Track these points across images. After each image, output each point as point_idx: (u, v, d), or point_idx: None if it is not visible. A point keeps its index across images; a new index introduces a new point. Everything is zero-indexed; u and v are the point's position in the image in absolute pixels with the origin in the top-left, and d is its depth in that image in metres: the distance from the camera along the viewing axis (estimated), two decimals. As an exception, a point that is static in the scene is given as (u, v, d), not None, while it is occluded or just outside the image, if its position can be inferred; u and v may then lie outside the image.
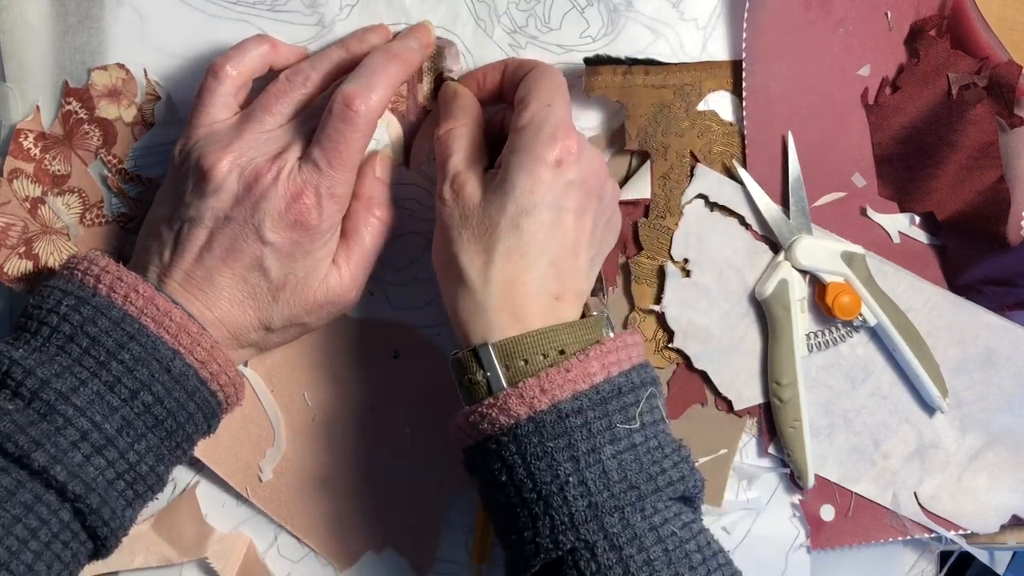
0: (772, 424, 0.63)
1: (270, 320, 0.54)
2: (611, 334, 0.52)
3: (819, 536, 0.64)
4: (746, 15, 0.60)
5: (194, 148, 0.53)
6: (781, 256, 0.62)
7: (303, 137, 0.53)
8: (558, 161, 0.51)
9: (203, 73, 0.55)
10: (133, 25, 0.58)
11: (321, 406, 0.61)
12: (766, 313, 0.62)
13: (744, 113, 0.61)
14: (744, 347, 0.62)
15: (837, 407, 0.64)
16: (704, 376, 0.62)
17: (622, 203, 0.61)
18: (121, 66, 0.58)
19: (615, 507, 0.47)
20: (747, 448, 0.63)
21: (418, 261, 0.61)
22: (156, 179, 0.59)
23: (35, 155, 0.58)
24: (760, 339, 0.63)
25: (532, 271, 0.51)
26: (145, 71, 0.58)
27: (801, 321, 0.62)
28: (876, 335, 0.63)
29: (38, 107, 0.58)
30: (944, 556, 0.66)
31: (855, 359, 0.64)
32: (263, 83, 0.55)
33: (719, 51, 0.61)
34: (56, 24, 0.58)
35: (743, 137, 0.62)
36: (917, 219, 0.64)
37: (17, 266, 0.58)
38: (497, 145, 0.54)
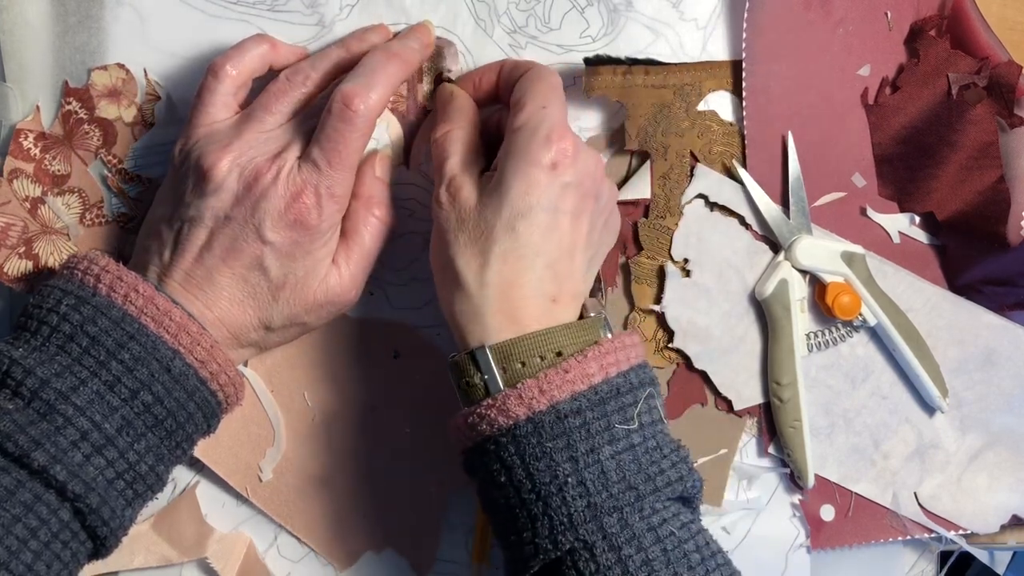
0: (772, 424, 0.63)
1: (270, 319, 0.54)
2: (609, 335, 0.52)
3: (819, 536, 0.64)
4: (746, 15, 0.60)
5: (194, 148, 0.53)
6: (781, 256, 0.62)
7: (303, 136, 0.53)
8: (553, 163, 0.51)
9: (203, 73, 0.55)
10: (133, 25, 0.58)
11: (321, 406, 0.61)
12: (766, 313, 0.62)
13: (744, 113, 0.61)
14: (744, 347, 0.62)
15: (837, 407, 0.64)
16: (704, 376, 0.62)
17: (622, 203, 0.61)
18: (121, 66, 0.58)
19: (614, 507, 0.47)
20: (747, 448, 0.63)
21: (418, 261, 0.61)
22: (156, 179, 0.59)
23: (35, 155, 0.58)
24: (760, 339, 0.63)
25: (528, 273, 0.51)
26: (145, 71, 0.58)
27: (801, 321, 0.62)
28: (876, 335, 0.63)
29: (38, 107, 0.58)
30: (944, 556, 0.66)
31: (855, 359, 0.64)
32: (263, 83, 0.55)
33: (719, 51, 0.61)
34: (56, 24, 0.58)
35: (743, 137, 0.62)
36: (917, 219, 0.64)
37: (17, 266, 0.58)
38: (494, 146, 0.54)
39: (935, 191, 0.62)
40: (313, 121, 0.53)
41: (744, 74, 0.61)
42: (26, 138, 0.58)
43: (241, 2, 0.58)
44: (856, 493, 0.64)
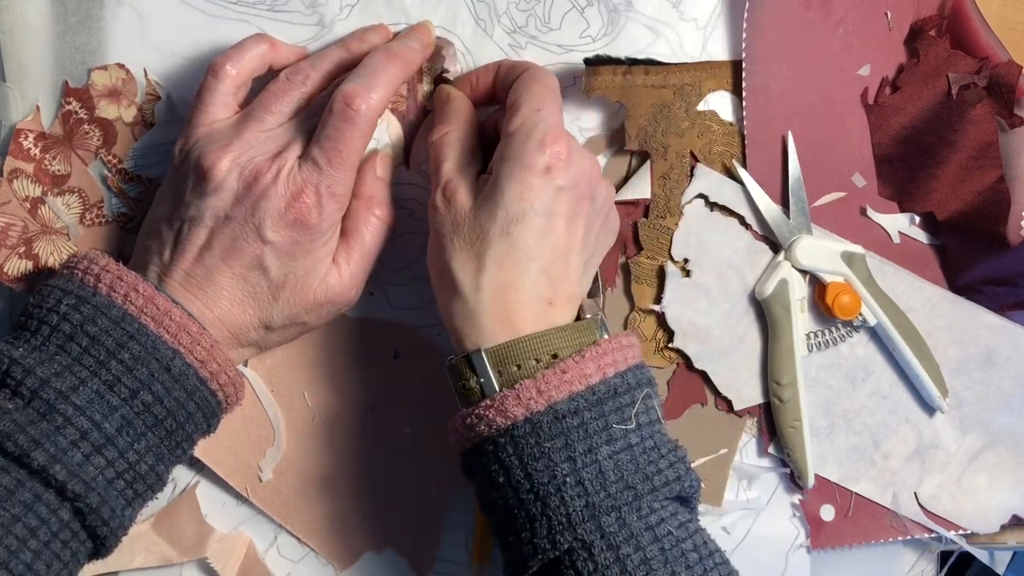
0: (772, 424, 0.63)
1: (270, 319, 0.54)
2: (605, 336, 0.52)
3: (819, 536, 0.64)
4: (746, 15, 0.60)
5: (194, 147, 0.53)
6: (781, 256, 0.62)
7: (303, 136, 0.53)
8: (547, 168, 0.51)
9: (203, 73, 0.55)
10: (133, 25, 0.58)
11: (321, 406, 0.61)
12: (766, 313, 0.62)
13: (744, 113, 0.61)
14: (744, 347, 0.62)
15: (837, 407, 0.64)
16: (704, 376, 0.62)
17: (622, 203, 0.61)
18: (121, 66, 0.58)
19: (612, 507, 0.47)
20: (747, 448, 0.63)
21: (418, 261, 0.61)
22: (156, 179, 0.59)
23: (35, 155, 0.58)
24: (760, 339, 0.63)
25: (523, 277, 0.51)
26: (145, 71, 0.58)
27: (801, 321, 0.62)
28: (876, 335, 0.63)
29: (38, 107, 0.58)
30: (944, 556, 0.66)
31: (855, 359, 0.64)
32: (263, 82, 0.55)
33: (719, 51, 0.61)
34: (56, 24, 0.58)
35: (743, 137, 0.62)
36: (917, 219, 0.64)
37: (17, 266, 0.58)
38: (492, 148, 0.54)
39: (935, 191, 0.62)
40: (313, 121, 0.53)
41: (744, 74, 0.61)
42: (26, 138, 0.58)
43: (241, 2, 0.58)
44: (856, 493, 0.64)
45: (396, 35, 0.58)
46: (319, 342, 0.60)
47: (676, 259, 0.62)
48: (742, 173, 0.61)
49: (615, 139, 0.62)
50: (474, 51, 0.60)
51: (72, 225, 0.59)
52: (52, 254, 0.58)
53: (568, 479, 0.47)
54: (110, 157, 0.58)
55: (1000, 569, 0.67)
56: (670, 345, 0.62)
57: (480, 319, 0.50)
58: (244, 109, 0.55)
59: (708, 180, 0.62)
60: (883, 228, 0.63)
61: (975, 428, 0.64)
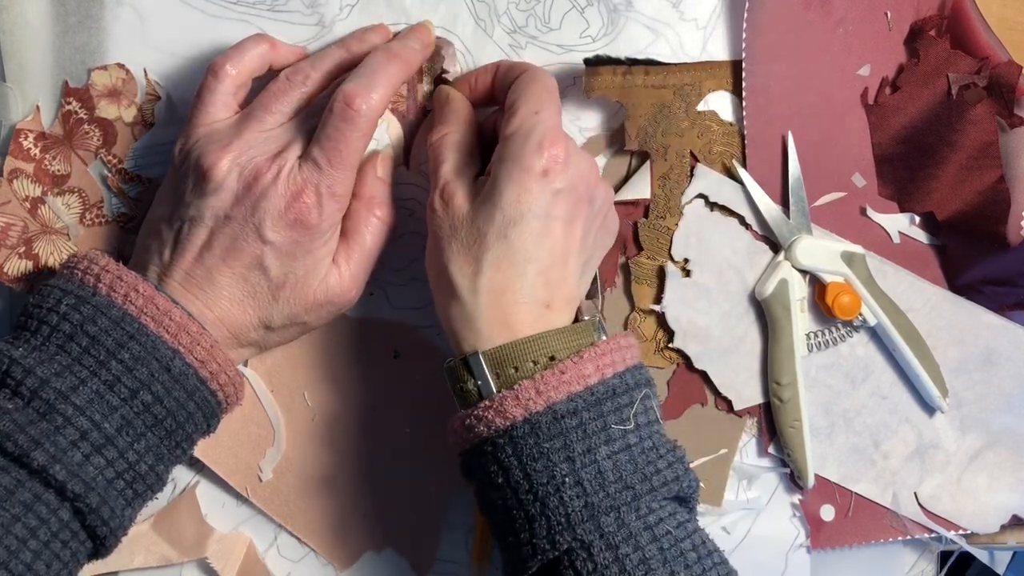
0: (772, 424, 0.63)
1: (270, 319, 0.54)
2: (603, 337, 0.52)
3: (819, 536, 0.64)
4: (746, 15, 0.60)
5: (194, 147, 0.53)
6: (781, 256, 0.62)
7: (303, 136, 0.53)
8: (545, 170, 0.51)
9: (203, 73, 0.55)
10: (133, 25, 0.58)
11: (321, 406, 0.61)
12: (766, 313, 0.62)
13: (744, 113, 0.61)
14: (744, 347, 0.62)
15: (837, 407, 0.64)
16: (704, 376, 0.62)
17: (622, 203, 0.61)
18: (121, 66, 0.58)
19: (611, 507, 0.47)
20: (747, 448, 0.63)
21: (418, 261, 0.60)
22: (156, 179, 0.59)
23: (35, 155, 0.58)
24: (760, 339, 0.63)
25: (521, 280, 0.51)
26: (145, 71, 0.58)
27: (801, 321, 0.62)
28: (876, 335, 0.63)
29: (38, 107, 0.58)
30: (944, 556, 0.66)
31: (855, 359, 0.63)
32: (263, 82, 0.55)
33: (719, 51, 0.61)
34: (56, 24, 0.58)
35: (743, 137, 0.62)
36: (917, 219, 0.64)
37: (17, 266, 0.58)
38: (491, 149, 0.54)
39: (935, 191, 0.62)
40: (313, 121, 0.53)
41: (744, 74, 0.61)
42: (26, 138, 0.58)
43: (241, 2, 0.58)
44: (856, 493, 0.64)
45: (396, 35, 0.58)
46: (319, 342, 0.60)
47: (676, 259, 0.62)
48: (742, 173, 0.61)
49: (615, 139, 0.62)
50: (474, 51, 0.60)
51: (72, 225, 0.59)
52: (52, 254, 0.58)
53: (567, 479, 0.47)
54: (110, 157, 0.59)
55: (1000, 569, 0.67)
56: (670, 345, 0.62)
57: (477, 322, 0.50)
58: (244, 109, 0.55)
59: (708, 180, 0.62)
60: (883, 228, 0.63)
61: (975, 428, 0.64)
